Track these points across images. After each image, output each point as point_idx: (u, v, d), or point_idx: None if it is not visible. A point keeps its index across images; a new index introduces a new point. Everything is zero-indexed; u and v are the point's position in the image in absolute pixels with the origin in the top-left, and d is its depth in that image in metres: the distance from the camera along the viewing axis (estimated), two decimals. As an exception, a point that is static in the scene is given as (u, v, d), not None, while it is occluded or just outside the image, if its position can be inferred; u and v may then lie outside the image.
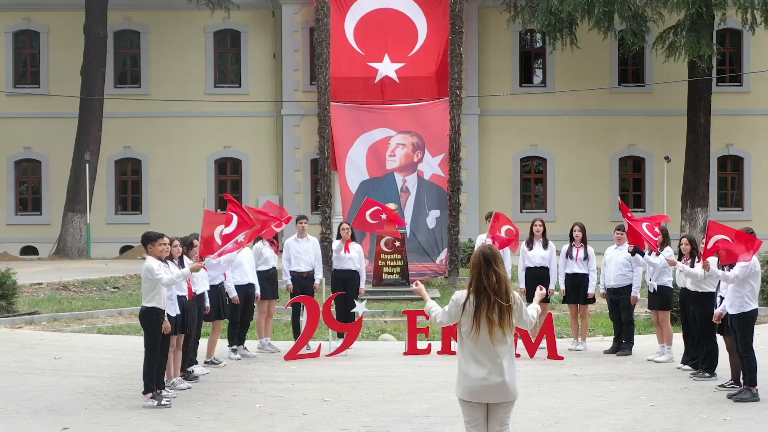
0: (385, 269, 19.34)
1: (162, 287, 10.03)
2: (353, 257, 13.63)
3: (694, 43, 25.59)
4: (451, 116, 21.22)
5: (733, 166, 30.59)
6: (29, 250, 30.20)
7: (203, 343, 12.19)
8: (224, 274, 12.29)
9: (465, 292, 6.36)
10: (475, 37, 29.08)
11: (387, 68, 22.96)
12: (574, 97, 28.96)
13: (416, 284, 6.73)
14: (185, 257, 10.96)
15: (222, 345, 12.90)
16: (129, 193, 30.63)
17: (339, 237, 13.86)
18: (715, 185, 29.58)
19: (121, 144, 30.06)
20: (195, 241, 11.31)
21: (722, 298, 10.38)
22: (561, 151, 29.73)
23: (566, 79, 29.28)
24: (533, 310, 6.55)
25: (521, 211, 29.63)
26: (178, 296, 10.74)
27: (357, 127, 21.46)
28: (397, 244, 19.48)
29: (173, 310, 10.63)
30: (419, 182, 21.49)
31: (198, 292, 11.33)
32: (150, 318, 10.06)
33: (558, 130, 29.64)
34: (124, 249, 29.78)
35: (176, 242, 10.83)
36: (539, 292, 6.76)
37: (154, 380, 10.07)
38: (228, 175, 30.46)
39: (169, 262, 10.50)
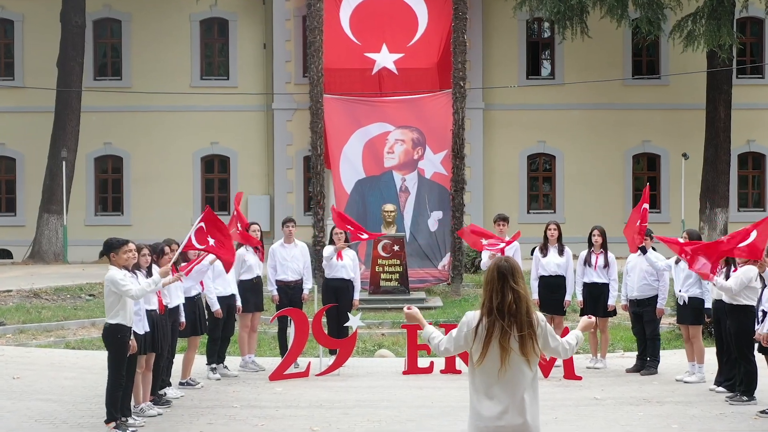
0: (383, 276, 18.59)
1: (128, 301, 9.09)
2: (347, 265, 12.70)
3: (714, 31, 24.72)
4: (454, 109, 20.38)
5: (754, 163, 30.02)
6: (3, 254, 29.49)
7: (179, 361, 11.21)
8: (201, 284, 11.33)
9: (477, 313, 5.50)
10: (479, 27, 28.36)
11: (385, 59, 22.47)
12: (585, 90, 28.25)
13: (408, 308, 5.85)
14: (155, 267, 9.99)
15: (200, 362, 11.94)
16: (109, 192, 29.90)
17: (331, 242, 12.90)
18: (736, 184, 28.92)
19: (100, 140, 29.32)
20: (167, 249, 10.36)
21: (766, 314, 9.44)
22: (570, 147, 29.00)
23: (576, 70, 28.48)
24: (573, 338, 5.65)
25: (528, 212, 28.98)
26: (147, 311, 9.83)
27: (352, 121, 20.68)
28: (396, 248, 18.69)
29: (141, 326, 9.73)
30: (420, 181, 20.73)
31: (171, 306, 10.38)
32: (114, 336, 9.16)
33: (567, 126, 28.91)
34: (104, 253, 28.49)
35: (144, 250, 9.91)
36: (587, 321, 5.77)
37: (118, 407, 9.16)
38: (215, 173, 29.76)
39: (137, 272, 9.57)
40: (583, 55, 28.24)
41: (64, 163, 27.08)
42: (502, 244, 12.39)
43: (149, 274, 9.91)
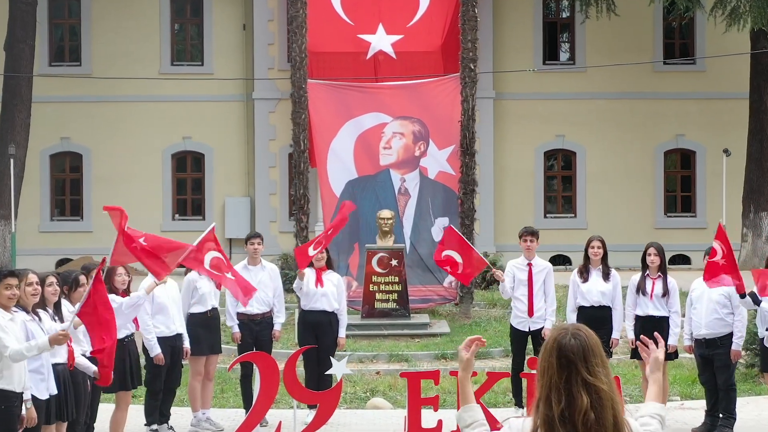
0: (379, 296, 16.75)
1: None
2: (328, 293, 10.47)
3: (764, 7, 23.06)
4: (463, 97, 18.53)
5: (805, 160, 28.26)
6: (-56, 265, 27.58)
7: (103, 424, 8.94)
8: (135, 322, 9.06)
9: (529, 423, 3.53)
10: (489, 5, 26.97)
11: (381, 41, 21.71)
12: (610, 77, 27.15)
13: (467, 348, 4.12)
14: (65, 303, 7.72)
15: (136, 422, 9.64)
16: (67, 194, 28.59)
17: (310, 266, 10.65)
18: (785, 184, 27.39)
19: (56, 134, 27.97)
20: (82, 278, 8.06)
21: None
22: (593, 142, 27.85)
23: (600, 54, 27.19)
24: (656, 411, 3.88)
25: (545, 216, 27.75)
26: (54, 365, 7.54)
27: (342, 111, 19.02)
28: (394, 262, 16.75)
29: (43, 388, 7.42)
30: (422, 182, 19.04)
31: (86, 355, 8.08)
32: (-4, 406, 6.85)
33: (590, 118, 27.79)
34: (62, 262, 27.30)
35: (51, 279, 7.63)
36: (656, 359, 4.04)
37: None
38: (188, 172, 28.52)
39: (39, 312, 7.33)
40: (608, 36, 27.26)
41: (12, 160, 25.31)
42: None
43: (57, 311, 7.63)
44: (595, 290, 10.55)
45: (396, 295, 16.74)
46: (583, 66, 27.41)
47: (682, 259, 26.56)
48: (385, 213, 17.20)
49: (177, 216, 27.99)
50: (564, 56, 28.91)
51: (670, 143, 28.27)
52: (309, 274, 10.63)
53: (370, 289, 16.77)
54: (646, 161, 27.93)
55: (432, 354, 14.83)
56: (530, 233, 10.88)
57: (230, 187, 27.93)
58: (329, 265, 10.72)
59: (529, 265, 10.74)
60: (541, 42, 28.08)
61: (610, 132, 27.74)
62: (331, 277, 10.69)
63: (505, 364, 14.24)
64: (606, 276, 10.59)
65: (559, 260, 26.42)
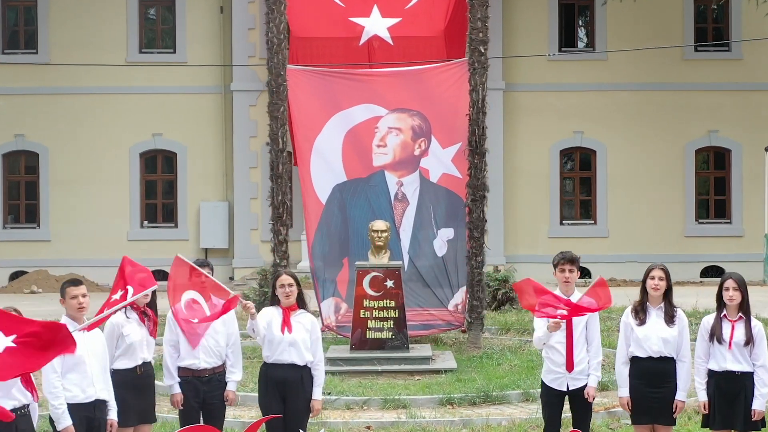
0: (371, 323, 14.89)
1: None
2: (298, 341, 8.31)
3: None
4: (471, 85, 16.64)
5: None
6: None
7: None
8: (30, 386, 6.90)
9: None
10: None
11: (376, 25, 21.11)
12: (634, 65, 26.56)
13: None
14: None
15: None
16: (22, 198, 27.93)
17: (273, 298, 8.49)
18: (835, 187, 27.03)
19: (10, 131, 27.38)
20: None
21: None
22: (615, 140, 27.17)
23: (623, 40, 26.47)
24: None
25: (561, 223, 27.24)
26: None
27: (328, 102, 17.27)
28: (390, 283, 14.88)
29: None
30: (423, 186, 17.27)
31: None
32: None
33: (611, 112, 27.13)
34: (15, 276, 26.92)
35: None
36: None
37: None
38: (159, 173, 27.77)
39: None
40: (632, 20, 26.81)
41: (-43, 160, 24.59)
42: (564, 310, 8.04)
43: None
44: (655, 336, 8.32)
45: (392, 322, 14.89)
46: (604, 53, 26.79)
47: (715, 272, 25.85)
48: (379, 224, 15.43)
49: (146, 223, 27.26)
50: (582, 42, 28.36)
51: (702, 140, 27.53)
52: (270, 315, 8.39)
53: (361, 316, 14.89)
54: (674, 161, 27.30)
55: (435, 399, 12.76)
56: (569, 260, 8.64)
57: (206, 190, 27.22)
58: (301, 302, 8.45)
59: (568, 303, 8.45)
60: (556, 26, 27.39)
61: (634, 128, 27.13)
62: (302, 320, 8.44)
63: (525, 412, 12.14)
64: (670, 318, 8.36)
65: None
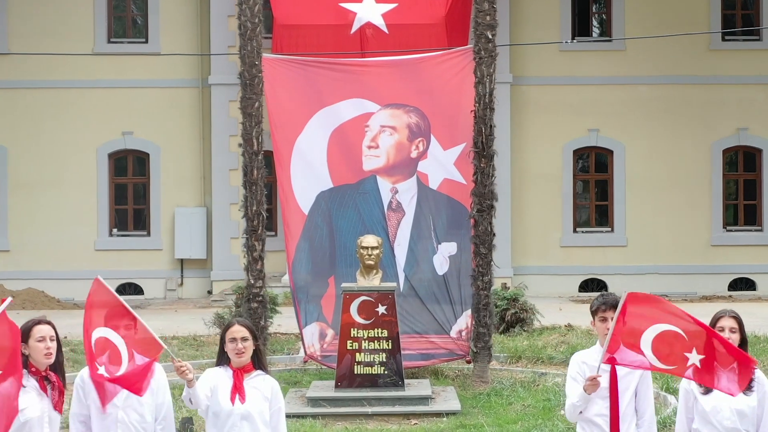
0: (360, 356, 13.68)
1: None
2: (252, 414, 6.58)
3: None
4: (477, 77, 15.32)
5: None
6: None
7: None
8: None
9: None
10: None
11: (369, 11, 21.33)
12: (654, 56, 26.27)
13: None
14: None
15: None
16: None
17: (221, 356, 6.76)
18: None
19: None
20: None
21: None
22: (634, 139, 26.67)
23: (642, 28, 26.03)
24: None
25: (575, 231, 27.14)
26: None
27: (311, 96, 16.20)
28: (382, 310, 13.66)
29: None
30: (421, 194, 16.14)
31: None
32: None
33: (630, 108, 26.64)
34: None
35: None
36: None
37: None
38: (129, 176, 27.17)
39: None
40: (652, 6, 26.61)
41: None
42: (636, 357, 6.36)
43: None
44: (727, 408, 6.52)
45: (384, 355, 13.62)
46: (622, 42, 26.41)
47: (745, 284, 26.04)
48: (369, 240, 14.13)
49: (115, 231, 26.74)
50: (598, 30, 28.09)
51: (731, 139, 27.02)
52: (215, 378, 6.59)
53: (349, 347, 13.59)
54: (700, 162, 26.86)
55: (436, 452, 11.19)
56: (613, 305, 6.82)
57: (181, 194, 26.71)
58: (257, 361, 6.66)
59: (611, 360, 6.62)
60: (569, 12, 26.90)
61: (655, 125, 26.69)
62: (259, 385, 6.64)
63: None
64: (748, 383, 6.51)
65: (592, 286, 25.80)
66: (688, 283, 25.32)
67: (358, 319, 13.65)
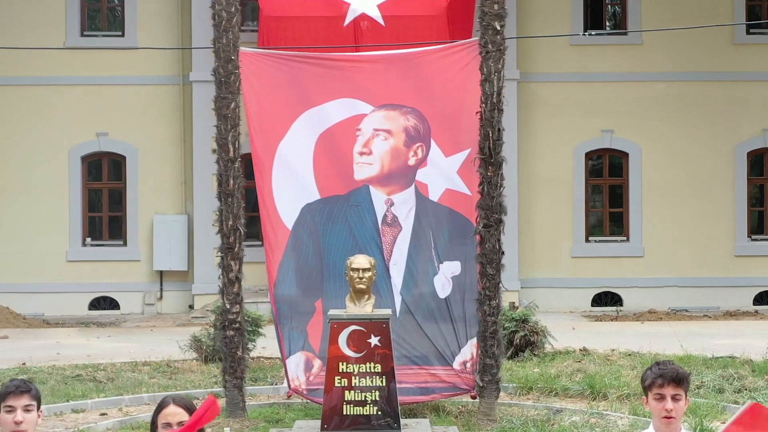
0: (350, 395, 12.68)
1: None
2: None
3: None
4: (484, 74, 14.38)
5: None
6: None
7: None
8: None
9: None
10: None
11: (364, 1, 20.83)
12: (674, 50, 25.94)
13: None
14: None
15: None
16: None
17: None
18: None
19: None
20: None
21: None
22: (651, 140, 26.32)
23: (660, 20, 25.56)
24: None
25: (587, 240, 26.36)
26: None
27: (295, 95, 15.25)
28: (375, 341, 12.65)
29: None
30: (420, 206, 15.18)
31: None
32: None
33: (647, 107, 26.30)
34: None
35: None
36: None
37: None
38: (104, 180, 26.75)
39: None
40: None
41: None
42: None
43: None
44: None
45: (378, 393, 12.65)
46: (638, 35, 26.07)
47: None
48: (360, 261, 13.13)
49: (89, 241, 26.32)
50: (612, 22, 27.74)
51: (756, 141, 26.64)
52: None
53: (337, 384, 12.64)
54: (723, 165, 26.51)
55: None
56: (674, 380, 5.34)
57: (160, 201, 26.40)
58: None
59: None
60: (581, 4, 26.53)
61: (673, 126, 26.36)
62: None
63: None
64: None
65: (606, 299, 25.49)
66: (710, 297, 24.78)
67: (348, 352, 12.64)
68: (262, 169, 14.77)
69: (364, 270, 12.78)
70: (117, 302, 24.98)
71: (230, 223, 13.94)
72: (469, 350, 14.58)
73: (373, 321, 12.65)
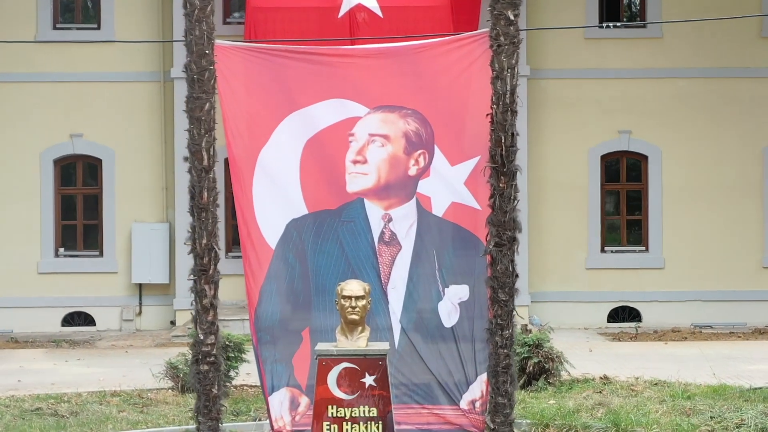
0: None
1: None
2: None
3: None
4: (495, 71, 13.27)
5: None
6: None
7: None
8: None
9: None
10: None
11: None
12: (697, 44, 25.47)
13: None
14: None
15: None
16: None
17: None
18: None
19: None
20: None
21: None
22: (673, 141, 25.75)
23: (682, 12, 25.16)
24: None
25: (603, 250, 25.73)
26: None
27: (279, 95, 14.19)
28: (370, 381, 11.85)
29: None
30: (422, 222, 14.15)
31: None
32: None
33: (668, 106, 25.75)
34: None
35: None
36: None
37: None
38: (78, 185, 26.09)
39: None
40: None
41: None
42: None
43: None
44: None
45: None
46: (658, 28, 25.62)
47: None
48: (352, 287, 12.16)
49: (62, 251, 25.75)
50: (630, 14, 27.12)
51: None
52: None
53: (325, 430, 11.78)
54: (750, 168, 25.86)
55: None
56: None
57: (140, 208, 25.75)
58: None
59: None
60: None
61: (697, 126, 25.79)
62: None
63: None
64: None
65: (624, 314, 25.02)
66: (736, 312, 24.11)
67: (339, 394, 11.70)
68: (241, 179, 13.81)
69: (357, 298, 11.92)
70: (92, 318, 24.46)
71: (204, 241, 12.72)
72: (478, 387, 13.57)
73: (368, 357, 11.76)
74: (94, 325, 24.17)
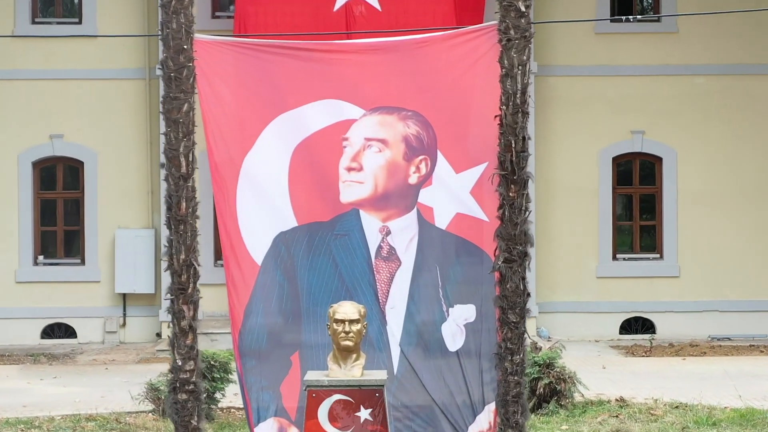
0: None
1: None
2: None
3: None
4: (504, 68, 12.47)
5: None
6: None
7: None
8: None
9: None
10: None
11: None
12: (714, 40, 25.11)
13: None
14: None
15: None
16: None
17: None
18: None
19: None
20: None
21: None
22: (689, 143, 25.33)
23: (699, 7, 24.68)
24: None
25: (614, 258, 25.29)
26: None
27: (266, 95, 13.40)
28: (365, 414, 11.22)
29: None
30: (423, 235, 13.41)
31: None
32: None
33: (683, 105, 25.33)
34: None
35: None
36: None
37: None
38: (59, 189, 25.63)
39: None
40: None
41: None
42: None
43: None
44: None
45: None
46: (673, 22, 25.15)
47: None
48: (346, 310, 11.35)
49: (41, 259, 25.30)
50: (643, 7, 26.56)
51: None
52: None
53: None
54: None
55: None
56: None
57: (124, 213, 25.28)
58: None
59: None
60: None
61: (714, 126, 25.35)
62: None
63: None
64: None
65: (637, 325, 24.42)
66: (757, 323, 23.46)
67: (330, 429, 10.97)
68: (224, 188, 12.97)
69: (351, 322, 11.08)
70: (74, 330, 23.87)
71: (182, 257, 11.86)
72: (486, 418, 12.78)
73: (364, 389, 10.97)
74: (76, 337, 23.71)
